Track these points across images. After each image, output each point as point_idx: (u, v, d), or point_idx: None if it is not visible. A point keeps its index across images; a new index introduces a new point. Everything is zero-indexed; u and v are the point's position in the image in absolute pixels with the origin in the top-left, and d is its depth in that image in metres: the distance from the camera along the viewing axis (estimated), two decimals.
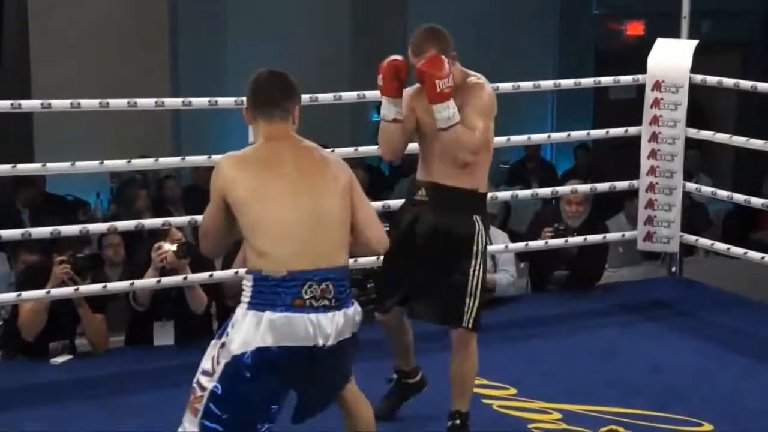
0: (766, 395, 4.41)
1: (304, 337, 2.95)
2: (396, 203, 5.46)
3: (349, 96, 5.17)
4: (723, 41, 10.79)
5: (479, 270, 3.73)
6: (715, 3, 10.42)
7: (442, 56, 3.61)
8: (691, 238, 5.71)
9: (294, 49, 9.33)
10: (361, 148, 5.29)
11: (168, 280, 4.71)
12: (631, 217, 6.45)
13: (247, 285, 3.00)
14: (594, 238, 5.60)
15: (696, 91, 5.54)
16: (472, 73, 3.81)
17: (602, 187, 5.65)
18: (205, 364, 3.02)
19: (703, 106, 9.21)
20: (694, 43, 5.52)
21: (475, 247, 3.73)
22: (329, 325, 2.98)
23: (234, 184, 3.01)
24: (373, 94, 5.00)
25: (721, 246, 5.68)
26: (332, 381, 3.14)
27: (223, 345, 3.00)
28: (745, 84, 5.42)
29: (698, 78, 5.47)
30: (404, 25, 9.87)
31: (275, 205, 3.00)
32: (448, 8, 9.41)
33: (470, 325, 3.71)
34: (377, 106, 11.14)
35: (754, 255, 5.37)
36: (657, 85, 5.49)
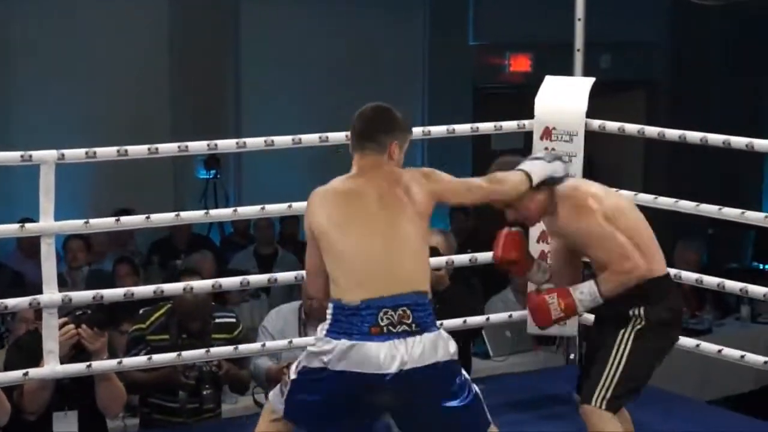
0: None
1: (375, 364, 3.64)
2: (231, 281, 5.48)
3: (168, 148, 5.07)
4: (625, 79, 11.11)
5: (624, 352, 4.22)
6: (616, 34, 10.75)
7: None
8: (591, 318, 5.73)
9: (100, 92, 9.30)
10: (184, 214, 5.20)
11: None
12: (520, 293, 6.49)
13: (328, 313, 3.77)
14: (475, 320, 5.61)
15: (594, 139, 5.61)
16: None
17: (461, 259, 5.58)
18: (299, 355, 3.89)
19: (604, 157, 9.43)
20: (591, 81, 5.59)
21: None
22: (406, 352, 3.66)
23: (316, 217, 3.82)
24: (198, 146, 4.99)
25: None
26: (429, 411, 3.79)
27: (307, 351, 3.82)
28: (652, 130, 5.46)
29: (596, 123, 5.54)
30: (235, 71, 9.98)
31: (352, 235, 3.76)
32: (289, 45, 9.58)
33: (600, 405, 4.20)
34: (204, 160, 11.17)
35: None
36: (547, 133, 5.55)
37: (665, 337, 4.31)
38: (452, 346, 3.78)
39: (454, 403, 3.78)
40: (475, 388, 3.86)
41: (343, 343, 3.67)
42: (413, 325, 3.70)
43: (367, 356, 3.65)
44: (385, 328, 3.67)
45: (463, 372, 3.86)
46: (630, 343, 4.19)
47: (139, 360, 5.00)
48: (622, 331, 4.21)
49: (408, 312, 3.70)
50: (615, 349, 4.20)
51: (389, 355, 3.65)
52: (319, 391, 3.74)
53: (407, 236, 3.79)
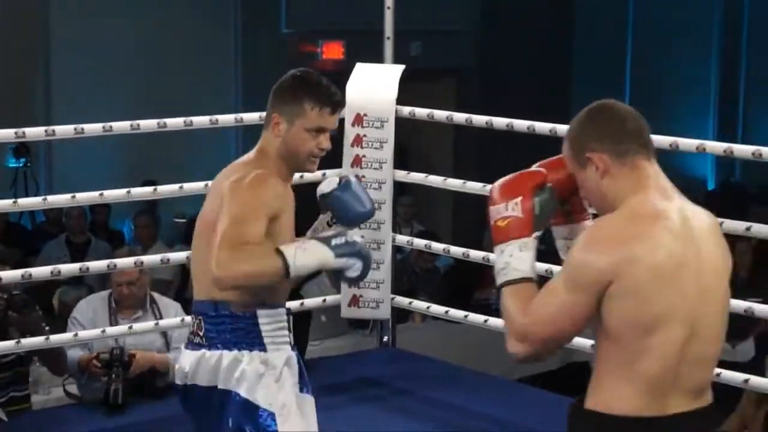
0: None
1: (177, 374, 3.41)
2: (41, 270, 5.36)
3: None
4: (435, 66, 11.23)
5: None
6: (426, 22, 10.87)
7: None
8: (404, 301, 5.83)
9: None
10: None
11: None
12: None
13: None
14: (291, 304, 5.59)
15: (405, 126, 5.66)
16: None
17: None
18: None
19: (411, 144, 9.52)
20: (401, 68, 5.63)
21: None
22: (187, 363, 3.34)
23: None
24: (5, 134, 4.86)
25: (438, 309, 5.81)
26: None
27: None
28: (460, 116, 5.58)
29: (406, 110, 5.59)
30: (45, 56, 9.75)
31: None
32: (100, 30, 9.44)
33: None
34: (14, 149, 10.90)
35: (476, 318, 5.50)
36: (358, 120, 5.57)
37: None
38: (245, 383, 3.27)
39: None
40: None
41: None
42: (204, 338, 3.32)
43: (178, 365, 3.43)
44: (191, 336, 3.38)
45: (262, 421, 3.33)
46: None
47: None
48: None
49: (201, 322, 3.34)
50: None
51: (181, 367, 3.37)
52: None
53: (197, 233, 3.42)
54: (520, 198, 2.76)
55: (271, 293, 3.34)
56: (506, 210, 2.76)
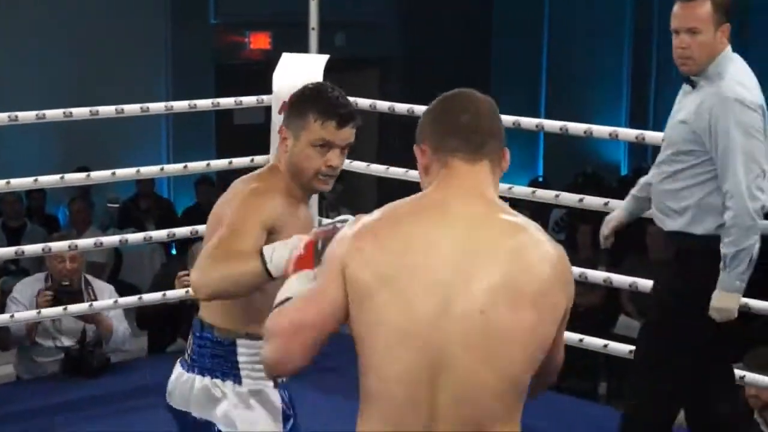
0: None
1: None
2: None
3: None
4: (359, 56, 11.34)
5: None
6: (349, 14, 10.97)
7: None
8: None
9: None
10: None
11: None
12: None
13: None
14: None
15: None
16: None
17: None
18: None
19: None
20: (325, 58, 5.72)
21: None
22: (171, 380, 3.14)
23: None
24: None
25: None
26: None
27: None
28: (383, 105, 5.75)
29: None
30: None
31: None
32: (33, 18, 9.47)
33: None
34: None
35: None
36: (285, 107, 5.65)
37: None
38: (220, 410, 3.04)
39: None
40: None
41: None
42: (189, 358, 3.11)
43: None
44: (185, 352, 3.16)
45: None
46: None
47: None
48: None
49: (191, 338, 3.12)
50: None
51: (170, 383, 3.15)
52: None
53: None
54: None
55: (255, 323, 2.92)
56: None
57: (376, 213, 2.35)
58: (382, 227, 2.31)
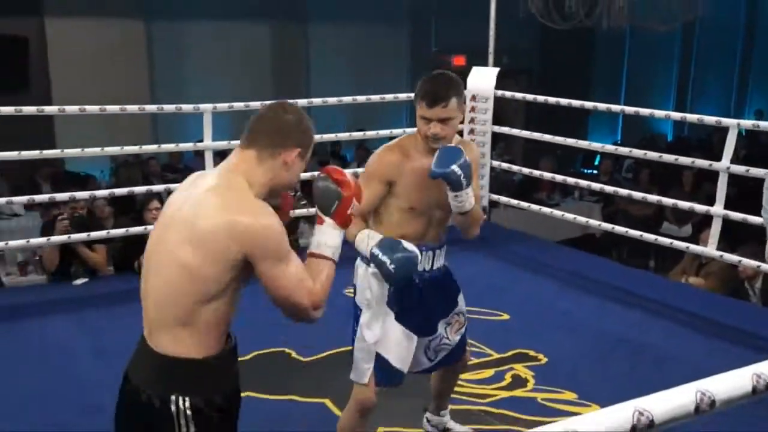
0: (548, 298, 4.50)
1: None
2: None
3: None
4: (515, 69, 10.99)
5: None
6: (510, 42, 10.59)
7: None
8: (495, 196, 5.80)
9: None
10: None
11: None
12: None
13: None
14: None
15: (498, 102, 5.56)
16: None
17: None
18: None
19: (503, 112, 9.38)
20: (497, 70, 5.55)
21: None
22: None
23: None
24: None
25: (514, 201, 5.76)
26: None
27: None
28: (530, 97, 5.52)
29: (499, 93, 5.52)
30: None
31: None
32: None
33: None
34: None
35: (535, 207, 5.58)
36: (473, 98, 5.55)
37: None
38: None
39: None
40: None
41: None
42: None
43: None
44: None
45: None
46: None
47: None
48: None
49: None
50: None
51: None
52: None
53: None
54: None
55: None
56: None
57: None
58: None
